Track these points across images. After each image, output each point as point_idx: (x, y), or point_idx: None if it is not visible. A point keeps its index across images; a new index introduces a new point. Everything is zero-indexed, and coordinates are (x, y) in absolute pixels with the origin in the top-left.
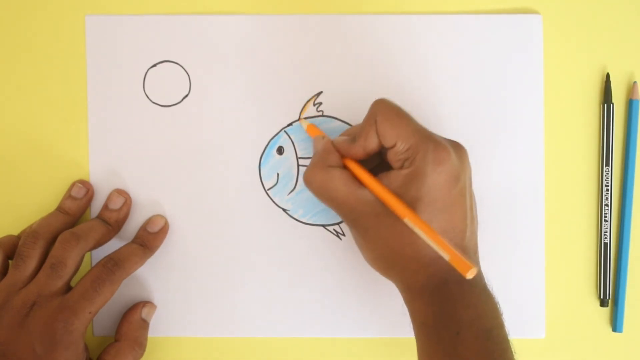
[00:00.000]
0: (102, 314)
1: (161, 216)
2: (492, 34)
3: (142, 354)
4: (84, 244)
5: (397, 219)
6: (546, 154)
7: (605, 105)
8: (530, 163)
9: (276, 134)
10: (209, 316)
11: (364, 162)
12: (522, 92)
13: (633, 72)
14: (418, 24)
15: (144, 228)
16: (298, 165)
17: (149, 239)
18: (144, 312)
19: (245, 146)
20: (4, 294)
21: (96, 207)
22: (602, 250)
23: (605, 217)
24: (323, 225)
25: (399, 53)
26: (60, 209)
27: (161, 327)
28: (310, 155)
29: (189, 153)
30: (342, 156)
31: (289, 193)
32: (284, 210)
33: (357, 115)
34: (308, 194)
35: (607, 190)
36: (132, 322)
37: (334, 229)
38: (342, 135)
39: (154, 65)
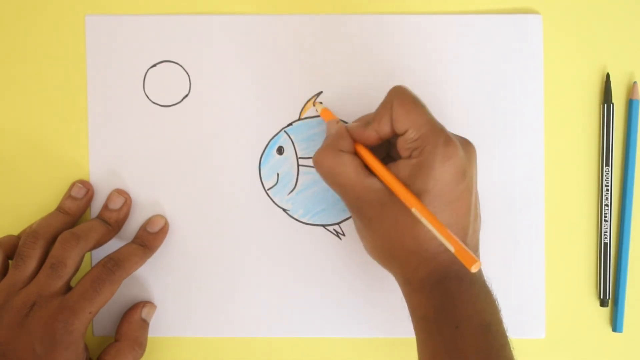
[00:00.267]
0: (102, 314)
1: (161, 216)
2: (492, 34)
3: (142, 354)
4: (84, 244)
5: (401, 211)
6: (546, 154)
7: (605, 105)
8: (530, 163)
9: (276, 134)
10: (209, 316)
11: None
12: (522, 92)
13: (633, 72)
14: (418, 24)
15: (144, 228)
16: (298, 165)
17: (149, 239)
18: (144, 312)
19: (245, 146)
20: (4, 294)
21: (96, 207)
22: (602, 250)
23: (605, 217)
24: (323, 225)
25: (398, 53)
26: (60, 209)
27: (161, 327)
28: (310, 155)
29: (189, 153)
30: (355, 141)
31: (289, 193)
32: (284, 210)
33: (357, 114)
34: (308, 194)
35: (607, 190)
36: (132, 322)
37: (334, 229)
38: (355, 121)
39: (154, 65)
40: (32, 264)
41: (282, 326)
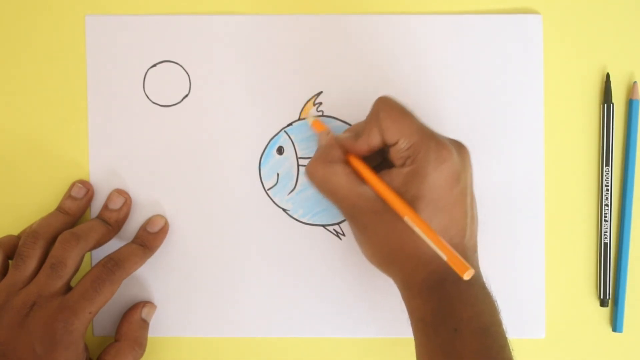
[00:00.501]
0: (102, 314)
1: (161, 216)
2: (492, 34)
3: (142, 354)
4: (84, 244)
5: (396, 216)
6: (546, 154)
7: (605, 105)
8: (530, 163)
9: (276, 134)
10: (209, 316)
11: (366, 160)
12: (522, 92)
13: (633, 72)
14: (418, 24)
15: (144, 228)
16: (298, 165)
17: (149, 239)
18: (144, 312)
19: (245, 146)
20: (4, 294)
21: (96, 207)
22: (602, 250)
23: (605, 217)
24: (323, 225)
25: (398, 53)
26: (60, 209)
27: (161, 327)
28: (311, 156)
29: (189, 153)
30: (346, 152)
31: (289, 193)
32: (284, 210)
33: (357, 115)
34: (308, 194)
35: (607, 190)
36: (132, 322)
37: (334, 229)
38: (346, 132)
39: (154, 65)
40: (32, 264)
41: (282, 326)
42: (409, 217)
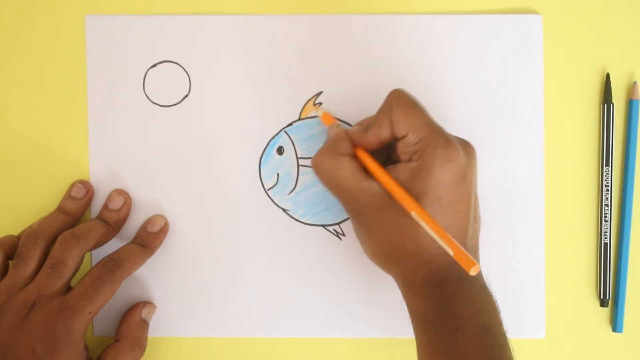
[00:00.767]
0: (102, 314)
1: (161, 216)
2: (492, 34)
3: (142, 354)
4: (84, 244)
5: (400, 214)
6: (546, 154)
7: (605, 105)
8: (530, 163)
9: (276, 134)
10: (209, 316)
11: (372, 156)
12: (522, 92)
13: (633, 72)
14: (418, 24)
15: (144, 228)
16: (298, 166)
17: (149, 239)
18: (144, 312)
19: (245, 146)
20: (4, 294)
21: (96, 207)
22: (602, 250)
23: (605, 217)
24: (323, 225)
25: (398, 53)
26: (60, 209)
27: (161, 327)
28: (311, 156)
29: (189, 153)
30: (355, 145)
31: (289, 193)
32: (284, 210)
33: (357, 115)
34: (308, 194)
35: (607, 190)
36: (132, 322)
37: (334, 229)
38: (355, 125)
39: (154, 65)
40: (32, 264)
41: (282, 326)
42: (416, 212)
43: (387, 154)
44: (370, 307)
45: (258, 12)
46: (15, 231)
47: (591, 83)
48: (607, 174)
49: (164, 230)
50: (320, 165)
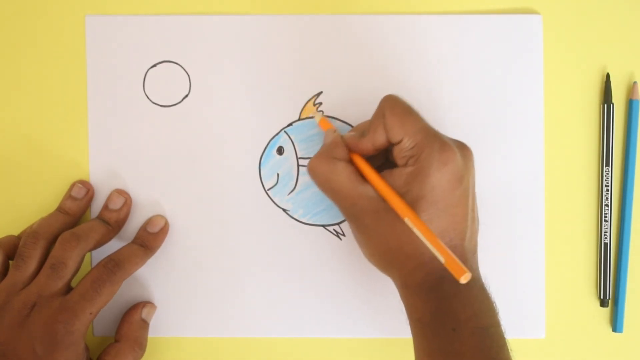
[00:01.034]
0: (102, 314)
1: (161, 216)
2: (492, 34)
3: (142, 355)
4: (84, 244)
5: (396, 216)
6: (546, 154)
7: (605, 105)
8: (530, 163)
9: (276, 134)
10: (209, 316)
11: (369, 161)
12: (522, 92)
13: (633, 72)
14: (418, 24)
15: (144, 228)
16: (298, 166)
17: (149, 240)
18: (144, 313)
19: (245, 146)
20: (5, 294)
21: (96, 207)
22: (602, 250)
23: (605, 217)
24: (323, 225)
25: (398, 53)
26: (60, 209)
27: (161, 328)
28: (311, 156)
29: (189, 153)
30: (351, 151)
31: (289, 193)
32: (284, 210)
33: (357, 115)
34: (308, 194)
35: (607, 190)
36: (132, 322)
37: (334, 229)
38: (351, 131)
39: (154, 65)
40: (32, 265)
41: (282, 326)
42: (409, 218)
43: (384, 157)
44: (370, 307)
45: (258, 12)
46: (15, 231)
47: (591, 83)
48: (607, 174)
49: (164, 230)
50: (315, 169)
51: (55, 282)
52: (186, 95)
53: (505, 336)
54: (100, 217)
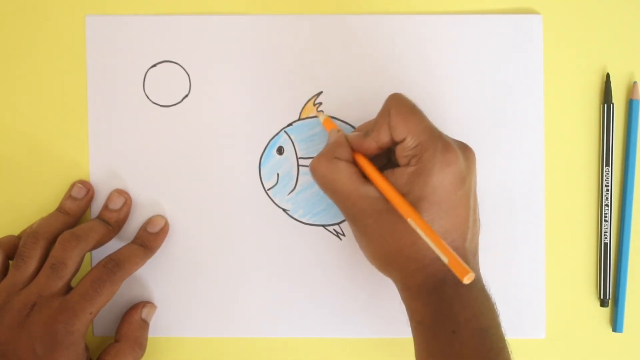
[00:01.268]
0: (102, 314)
1: (161, 216)
2: (492, 34)
3: (142, 355)
4: (84, 244)
5: (398, 218)
6: (546, 154)
7: (605, 105)
8: (530, 163)
9: (276, 134)
10: (209, 316)
11: (371, 161)
12: (522, 92)
13: (633, 72)
14: (418, 24)
15: (144, 228)
16: (298, 166)
17: (149, 240)
18: (144, 313)
19: (245, 146)
20: (5, 294)
21: (96, 207)
22: (602, 250)
23: (605, 217)
24: (323, 225)
25: (398, 53)
26: (60, 209)
27: (161, 328)
28: (311, 156)
29: (189, 153)
30: (354, 150)
31: (289, 193)
32: (284, 210)
33: (357, 115)
34: (308, 194)
35: (607, 190)
36: (132, 322)
37: (334, 229)
38: (354, 131)
39: (154, 65)
40: (32, 265)
41: (282, 326)
42: (412, 219)
43: (387, 158)
44: (370, 307)
45: (258, 12)
46: (15, 231)
47: (591, 83)
48: (607, 174)
49: (164, 230)
50: (317, 169)
51: (55, 282)
52: (186, 95)
53: (505, 337)
54: (100, 217)
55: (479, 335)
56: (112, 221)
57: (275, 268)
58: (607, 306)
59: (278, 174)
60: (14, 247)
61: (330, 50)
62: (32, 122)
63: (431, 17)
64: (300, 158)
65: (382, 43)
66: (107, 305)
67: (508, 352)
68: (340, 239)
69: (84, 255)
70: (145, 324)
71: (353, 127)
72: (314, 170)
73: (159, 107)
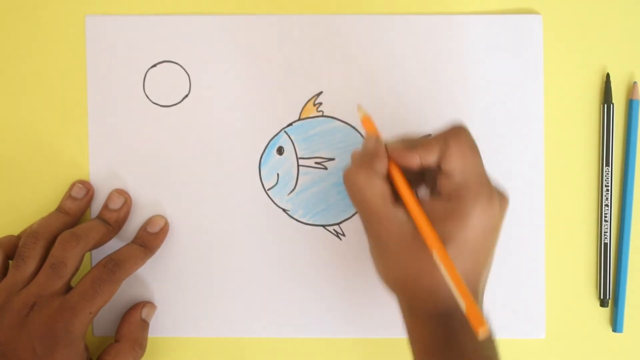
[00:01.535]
0: (102, 314)
1: (161, 216)
2: (492, 34)
3: (142, 355)
4: (84, 244)
5: (421, 247)
6: (546, 154)
7: (605, 105)
8: (530, 163)
9: (276, 134)
10: (209, 316)
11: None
12: (522, 92)
13: (633, 72)
14: (418, 24)
15: (144, 228)
16: (298, 166)
17: (149, 239)
18: (144, 313)
19: (245, 146)
20: (5, 294)
21: (96, 207)
22: (602, 250)
23: (605, 217)
24: (323, 226)
25: (398, 53)
26: (60, 209)
27: (161, 327)
28: (311, 156)
29: (189, 153)
30: (393, 160)
31: (289, 193)
32: (284, 210)
33: (357, 115)
34: (308, 194)
35: (607, 190)
36: (132, 322)
37: (334, 229)
38: (397, 141)
39: (154, 65)
40: (32, 264)
41: (282, 326)
42: (438, 253)
43: (417, 174)
44: (370, 308)
45: (258, 12)
46: (15, 231)
47: (591, 83)
48: (607, 174)
49: (164, 230)
50: (354, 179)
51: (55, 281)
52: (186, 95)
53: None
54: (100, 217)
55: None
56: (112, 221)
57: (274, 268)
58: (607, 306)
59: (278, 174)
60: (14, 247)
61: (330, 50)
62: (32, 122)
63: (431, 17)
64: (300, 158)
65: (382, 43)
66: (107, 305)
67: None
68: (340, 239)
69: (84, 255)
70: (145, 324)
71: (353, 127)
72: (350, 180)
73: (159, 107)
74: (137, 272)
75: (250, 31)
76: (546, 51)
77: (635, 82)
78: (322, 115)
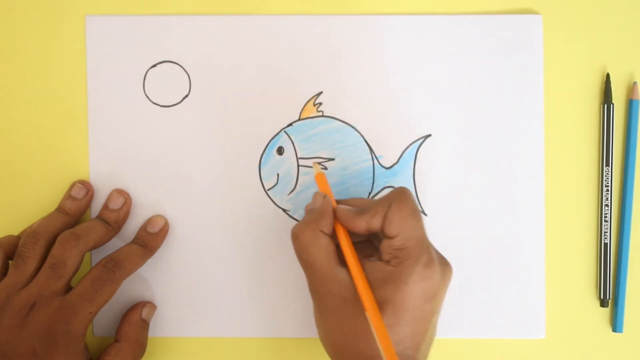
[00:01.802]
0: (102, 314)
1: (161, 216)
2: (492, 34)
3: (142, 355)
4: (83, 243)
5: (360, 311)
6: (546, 154)
7: (605, 105)
8: (530, 163)
9: (276, 134)
10: (209, 316)
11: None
12: (522, 92)
13: (633, 72)
14: (418, 24)
15: (144, 228)
16: (298, 166)
17: (149, 239)
18: (144, 313)
19: (245, 146)
20: (4, 294)
21: (96, 207)
22: (602, 250)
23: (605, 217)
24: None
25: (398, 53)
26: (60, 209)
27: (161, 327)
28: (311, 156)
29: (189, 153)
30: (341, 223)
31: (289, 193)
32: (284, 210)
33: (357, 115)
34: (308, 195)
35: (607, 190)
36: (132, 322)
37: None
38: (344, 203)
39: (154, 65)
40: (32, 264)
41: (282, 326)
42: (370, 317)
43: (366, 237)
44: None
45: (258, 12)
46: (15, 231)
47: (591, 83)
48: (607, 174)
49: (164, 230)
50: (300, 237)
51: (55, 281)
52: (186, 95)
53: None
54: (100, 217)
55: None
56: (112, 221)
57: (274, 268)
58: (607, 306)
59: (278, 174)
60: (13, 247)
61: (330, 50)
62: (32, 122)
63: (431, 17)
64: (300, 158)
65: (382, 43)
66: (107, 305)
67: None
68: None
69: (84, 255)
70: (145, 324)
71: (353, 127)
72: (296, 237)
73: (159, 107)
74: (137, 272)
75: (250, 31)
76: (546, 51)
77: (635, 82)
78: (322, 116)
